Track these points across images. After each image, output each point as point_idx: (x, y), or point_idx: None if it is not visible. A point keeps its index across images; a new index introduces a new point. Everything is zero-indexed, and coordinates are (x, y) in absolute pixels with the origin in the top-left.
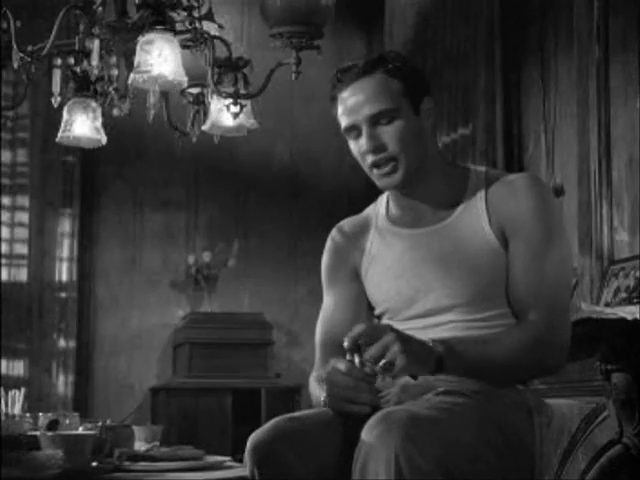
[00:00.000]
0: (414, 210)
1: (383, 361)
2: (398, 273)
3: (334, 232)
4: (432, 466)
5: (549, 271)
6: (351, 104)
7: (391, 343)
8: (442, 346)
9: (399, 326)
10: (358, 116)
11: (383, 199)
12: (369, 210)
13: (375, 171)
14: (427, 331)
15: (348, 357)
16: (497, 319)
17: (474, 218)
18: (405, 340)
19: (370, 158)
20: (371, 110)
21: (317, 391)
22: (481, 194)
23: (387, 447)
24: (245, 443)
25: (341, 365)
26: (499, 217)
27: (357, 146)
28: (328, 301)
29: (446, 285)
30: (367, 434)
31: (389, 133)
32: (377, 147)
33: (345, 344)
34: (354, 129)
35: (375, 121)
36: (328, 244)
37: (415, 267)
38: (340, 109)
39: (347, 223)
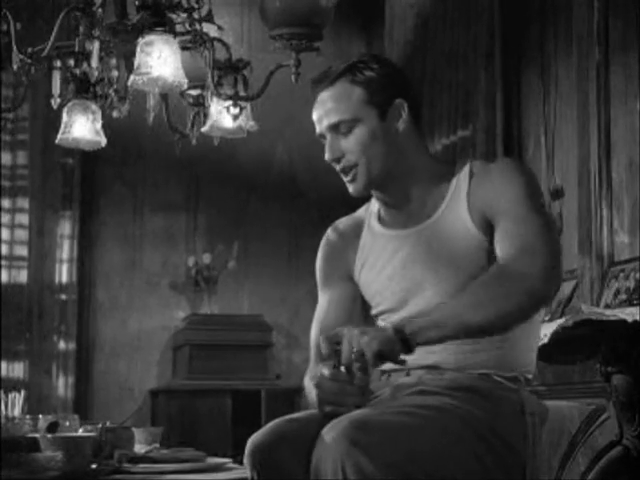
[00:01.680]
0: (401, 210)
1: (354, 353)
2: (390, 274)
3: (329, 231)
4: (383, 472)
5: (533, 231)
6: (317, 114)
7: (354, 336)
8: (400, 321)
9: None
10: (321, 126)
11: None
12: (363, 210)
13: (343, 178)
14: None
15: (332, 362)
16: None
17: (456, 212)
18: (364, 330)
19: (335, 167)
20: (330, 121)
21: (312, 393)
22: (464, 186)
23: (333, 451)
24: (245, 445)
25: (326, 371)
26: (478, 204)
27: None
28: (322, 301)
29: (435, 284)
30: (318, 444)
31: (348, 142)
32: (336, 157)
33: (323, 351)
34: (322, 137)
35: (336, 131)
36: (323, 243)
37: (404, 268)
38: (313, 116)
39: (342, 222)
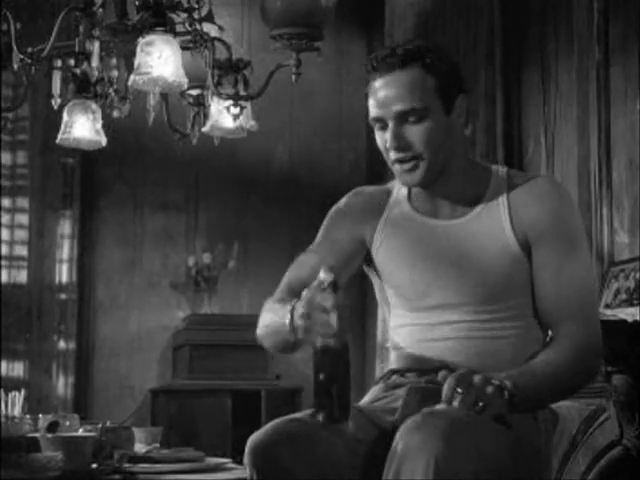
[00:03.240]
0: (434, 200)
1: (481, 404)
2: (412, 261)
3: (352, 193)
4: (470, 477)
5: (578, 279)
6: (382, 97)
7: (476, 384)
8: (510, 383)
9: (409, 320)
10: (387, 110)
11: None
12: (390, 185)
13: (397, 166)
14: (434, 329)
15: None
16: (505, 321)
17: (494, 219)
18: (488, 380)
19: (393, 155)
20: (401, 107)
21: (280, 312)
22: (503, 195)
23: (427, 450)
24: (245, 445)
25: (322, 298)
26: (522, 222)
27: (382, 139)
28: (316, 250)
29: (458, 282)
30: (406, 436)
31: (416, 132)
32: (402, 146)
33: (324, 277)
34: (381, 121)
35: (403, 118)
36: (343, 202)
37: (429, 259)
38: (370, 98)
39: (368, 189)
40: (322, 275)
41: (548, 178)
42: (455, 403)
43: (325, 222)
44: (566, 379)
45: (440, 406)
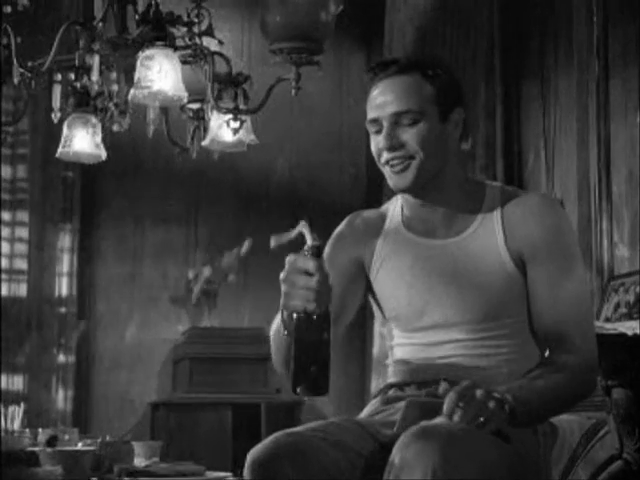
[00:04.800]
0: (428, 219)
1: (482, 419)
2: (410, 282)
3: (352, 216)
4: None
5: (573, 296)
6: (379, 99)
7: (478, 399)
8: (511, 396)
9: (407, 340)
10: (382, 112)
11: (398, 201)
12: (384, 209)
13: (388, 169)
14: (432, 349)
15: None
16: (501, 338)
17: (489, 236)
18: (490, 395)
19: (385, 155)
20: (395, 108)
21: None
22: (497, 212)
23: (424, 463)
24: (245, 458)
25: (303, 262)
26: (517, 240)
27: (376, 142)
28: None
29: (456, 301)
30: (403, 449)
31: (409, 133)
32: (394, 145)
33: (310, 243)
34: (376, 124)
35: (397, 120)
36: (344, 224)
37: (427, 278)
38: (368, 103)
39: (367, 212)
40: (308, 242)
41: (541, 195)
42: (456, 417)
43: (326, 249)
44: (565, 394)
45: (440, 419)
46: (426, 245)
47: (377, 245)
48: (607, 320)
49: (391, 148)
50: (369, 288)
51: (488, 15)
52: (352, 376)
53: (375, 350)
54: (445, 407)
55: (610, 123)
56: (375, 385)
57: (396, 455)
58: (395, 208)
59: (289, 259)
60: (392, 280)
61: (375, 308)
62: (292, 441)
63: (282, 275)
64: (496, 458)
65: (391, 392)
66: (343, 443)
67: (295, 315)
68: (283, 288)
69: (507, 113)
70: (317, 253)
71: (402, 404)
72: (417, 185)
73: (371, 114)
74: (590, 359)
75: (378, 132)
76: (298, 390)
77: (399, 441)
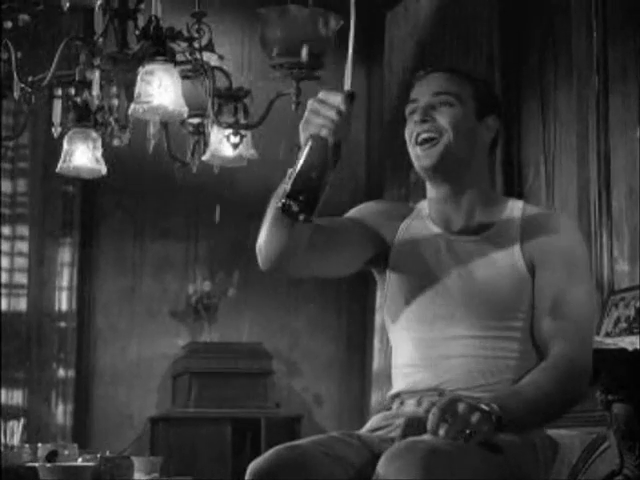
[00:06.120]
0: (450, 216)
1: (467, 432)
2: (423, 269)
3: (376, 201)
4: None
5: (577, 303)
6: (422, 87)
7: (462, 412)
8: (497, 405)
9: (412, 332)
10: (422, 93)
11: (424, 203)
12: (411, 204)
13: (418, 149)
14: (438, 346)
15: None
16: (509, 341)
17: (506, 239)
18: (473, 408)
19: (417, 129)
20: (435, 88)
21: None
22: (517, 220)
23: (406, 478)
24: (245, 473)
25: (334, 98)
26: (532, 245)
27: (410, 122)
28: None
29: (464, 294)
30: (386, 465)
31: (443, 113)
32: (426, 118)
33: (346, 88)
34: (414, 103)
35: (434, 102)
36: (372, 203)
37: (440, 267)
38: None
39: (387, 202)
40: (345, 86)
41: (563, 214)
42: (441, 432)
43: (352, 210)
44: (554, 400)
45: (426, 436)
46: (445, 237)
47: (400, 227)
48: (607, 335)
49: (423, 121)
50: (383, 266)
51: (488, 30)
52: (353, 390)
53: (375, 364)
54: (429, 424)
55: (610, 138)
56: (375, 399)
57: (379, 471)
58: (421, 205)
59: (320, 93)
60: (408, 265)
61: (381, 294)
62: (293, 454)
63: (309, 102)
64: (484, 471)
65: (393, 407)
66: (344, 458)
67: (310, 139)
68: (306, 114)
69: (507, 129)
70: (349, 97)
71: (402, 421)
72: (442, 165)
73: (411, 96)
74: (584, 366)
75: (413, 112)
76: (287, 204)
77: (382, 457)
